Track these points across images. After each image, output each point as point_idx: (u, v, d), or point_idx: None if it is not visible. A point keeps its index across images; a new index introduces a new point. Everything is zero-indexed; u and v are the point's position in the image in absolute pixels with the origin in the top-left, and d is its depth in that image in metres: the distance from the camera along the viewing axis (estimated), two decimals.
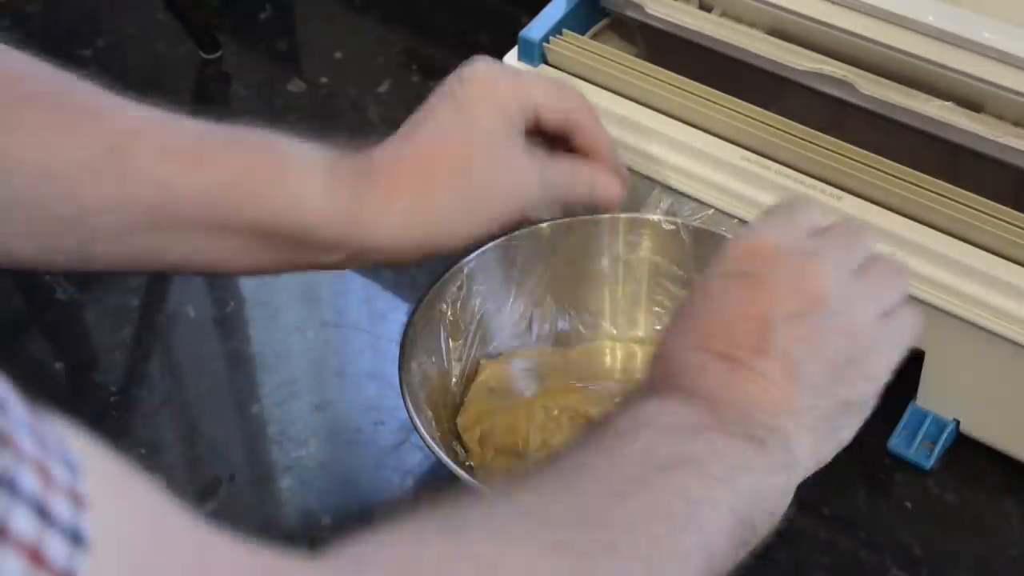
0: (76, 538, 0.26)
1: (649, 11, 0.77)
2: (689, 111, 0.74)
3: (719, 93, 0.73)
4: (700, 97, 0.74)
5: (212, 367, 0.81)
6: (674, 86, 0.74)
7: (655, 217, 0.72)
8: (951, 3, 0.71)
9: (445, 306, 0.69)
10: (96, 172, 0.54)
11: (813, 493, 0.69)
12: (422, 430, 0.62)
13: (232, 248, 0.57)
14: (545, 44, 0.77)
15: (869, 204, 0.69)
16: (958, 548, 0.68)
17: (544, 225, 0.71)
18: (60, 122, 0.54)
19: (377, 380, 0.77)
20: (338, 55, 1.03)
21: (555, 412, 0.68)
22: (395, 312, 0.81)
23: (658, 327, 0.74)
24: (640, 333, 0.75)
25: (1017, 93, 0.67)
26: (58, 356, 0.82)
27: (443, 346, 0.69)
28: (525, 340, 0.74)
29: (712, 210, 0.72)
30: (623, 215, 0.72)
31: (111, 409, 0.77)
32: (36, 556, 0.25)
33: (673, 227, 0.72)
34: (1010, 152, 0.67)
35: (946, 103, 0.69)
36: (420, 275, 0.74)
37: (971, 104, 0.69)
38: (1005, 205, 0.66)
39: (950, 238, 0.67)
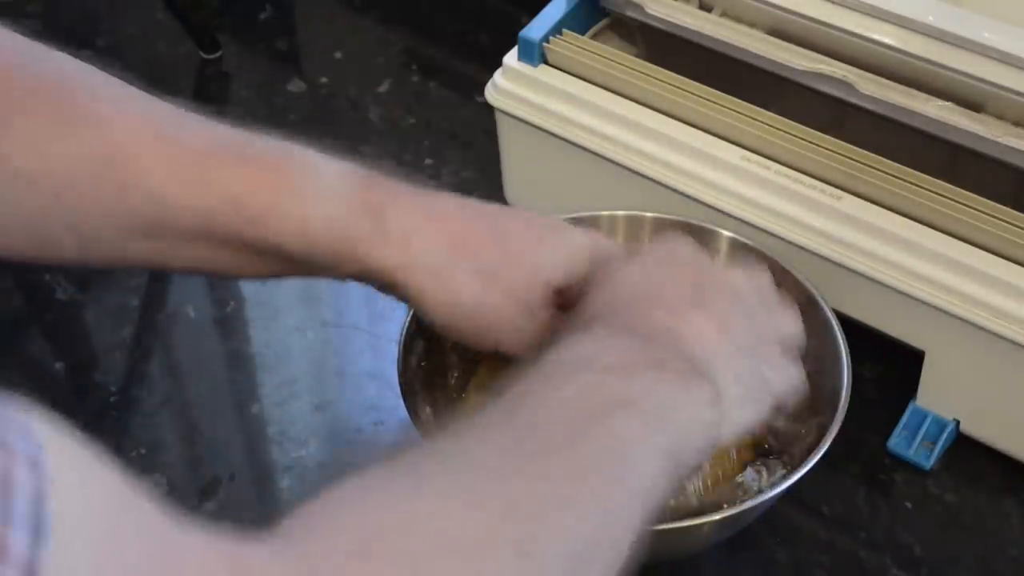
0: (37, 527, 0.26)
1: (649, 11, 0.77)
2: (689, 111, 0.74)
3: (719, 93, 0.73)
4: (700, 97, 0.74)
5: (212, 367, 0.81)
6: (674, 86, 0.74)
7: (653, 215, 0.72)
8: (951, 3, 0.71)
9: None
10: (96, 179, 0.53)
11: (813, 493, 0.69)
12: (422, 430, 0.62)
13: (234, 259, 0.56)
14: (545, 44, 0.77)
15: (869, 204, 0.69)
16: (958, 548, 0.68)
17: None
18: (60, 124, 0.53)
19: (377, 380, 0.77)
20: (338, 55, 1.03)
21: None
22: (395, 312, 0.80)
23: None
24: None
25: (1017, 93, 0.67)
26: (58, 356, 0.82)
27: (443, 346, 0.69)
28: None
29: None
30: (621, 213, 0.72)
31: (111, 409, 0.77)
32: None
33: (672, 224, 0.72)
34: (1010, 152, 0.67)
35: (946, 103, 0.69)
36: None
37: (971, 104, 0.69)
38: (1005, 205, 0.66)
39: (950, 238, 0.67)
